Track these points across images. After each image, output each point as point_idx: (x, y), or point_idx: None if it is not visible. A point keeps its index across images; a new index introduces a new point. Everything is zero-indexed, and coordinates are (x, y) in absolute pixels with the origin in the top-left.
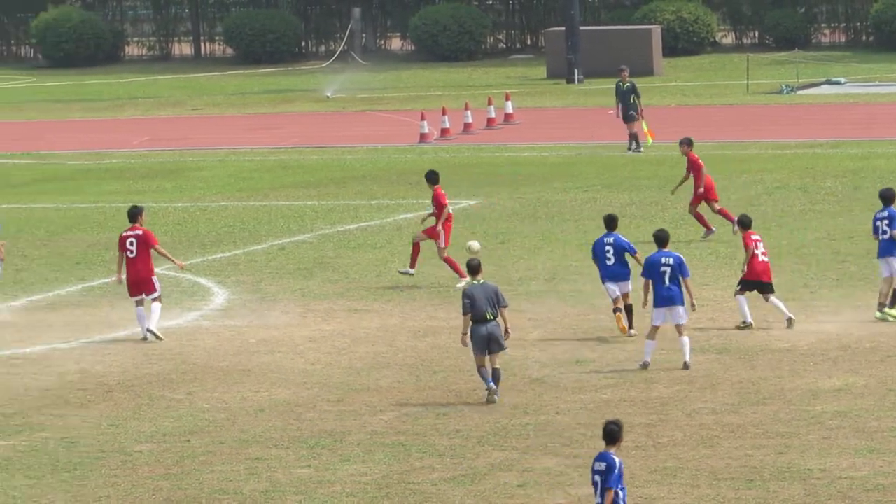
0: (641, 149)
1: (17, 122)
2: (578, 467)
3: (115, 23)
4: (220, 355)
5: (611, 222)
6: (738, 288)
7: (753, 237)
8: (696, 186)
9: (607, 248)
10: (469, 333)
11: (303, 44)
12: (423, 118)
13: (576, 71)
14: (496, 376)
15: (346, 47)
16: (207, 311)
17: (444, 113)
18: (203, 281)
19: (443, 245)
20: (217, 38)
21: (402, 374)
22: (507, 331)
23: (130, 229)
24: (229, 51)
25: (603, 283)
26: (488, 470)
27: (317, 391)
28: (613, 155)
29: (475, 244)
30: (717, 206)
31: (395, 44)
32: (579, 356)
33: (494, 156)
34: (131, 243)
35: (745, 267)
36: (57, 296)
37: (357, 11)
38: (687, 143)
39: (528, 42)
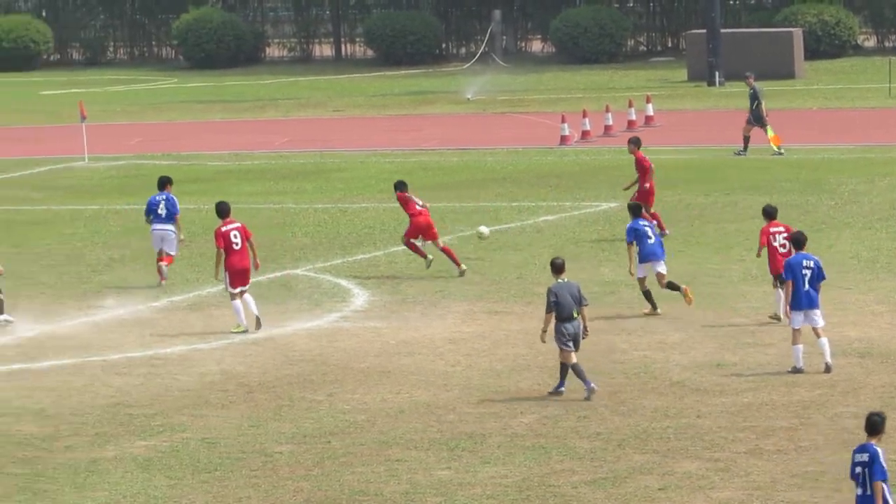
0: (745, 153)
1: (159, 123)
2: (720, 471)
3: (256, 24)
4: (361, 357)
5: (636, 209)
6: (776, 283)
7: (772, 230)
8: (641, 185)
9: (646, 227)
10: (555, 332)
11: (443, 45)
12: (563, 120)
13: (716, 73)
14: (578, 371)
15: (486, 49)
16: (348, 312)
17: (584, 115)
18: (343, 282)
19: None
20: (358, 39)
21: (543, 377)
22: (585, 329)
23: (228, 223)
24: (370, 52)
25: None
26: (629, 473)
27: (457, 393)
28: (754, 158)
29: (485, 229)
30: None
31: (536, 46)
32: (720, 359)
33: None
34: (235, 236)
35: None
36: (198, 296)
37: (498, 13)
38: (634, 143)
39: (669, 44)
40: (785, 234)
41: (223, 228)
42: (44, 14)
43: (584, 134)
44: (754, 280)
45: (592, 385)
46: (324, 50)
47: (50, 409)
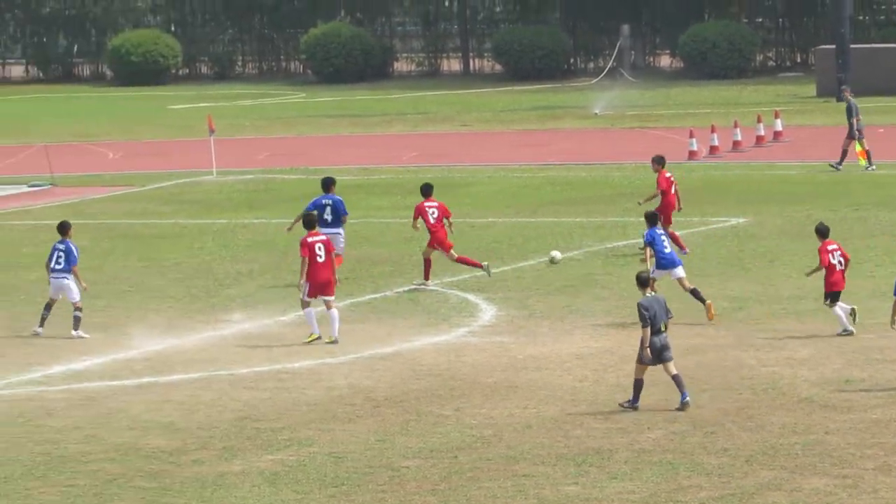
0: (840, 167)
1: (287, 138)
2: (848, 487)
3: (384, 38)
4: (488, 371)
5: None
6: (826, 302)
7: (829, 247)
8: (663, 200)
9: (663, 237)
10: (640, 346)
11: (571, 60)
12: (691, 135)
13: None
14: (679, 382)
15: (614, 64)
16: (475, 327)
17: (712, 130)
18: (471, 297)
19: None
20: (486, 54)
21: (670, 392)
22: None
23: (313, 235)
24: (497, 67)
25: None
26: (757, 489)
27: (584, 408)
28: (883, 173)
29: (557, 254)
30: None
31: (664, 61)
32: (848, 375)
33: (763, 174)
34: (319, 248)
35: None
36: (324, 312)
37: (626, 28)
38: (658, 163)
39: (798, 60)
40: (840, 252)
41: (309, 240)
42: (173, 29)
43: (713, 149)
44: (883, 296)
45: (637, 404)
46: (452, 64)
47: (178, 423)
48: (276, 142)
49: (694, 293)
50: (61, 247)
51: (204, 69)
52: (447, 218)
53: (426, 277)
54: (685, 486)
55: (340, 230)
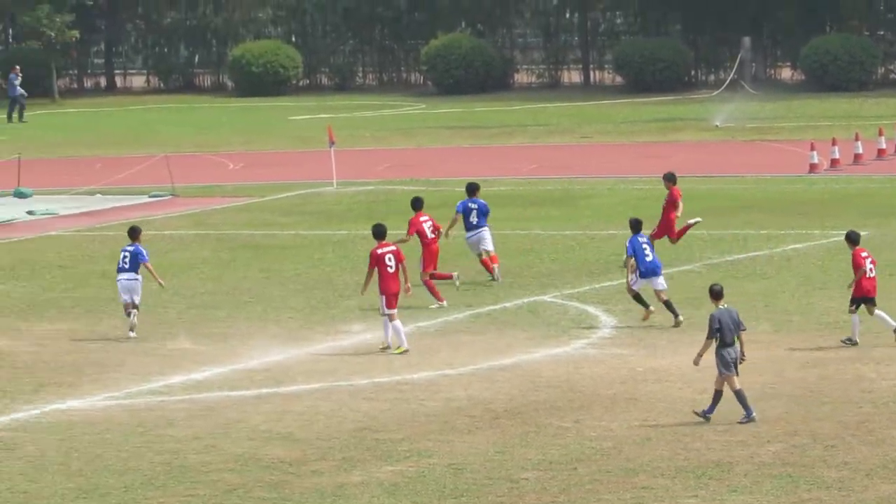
0: None
1: (407, 149)
2: None
3: (505, 50)
4: (607, 383)
5: (637, 225)
6: (851, 307)
7: (863, 254)
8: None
9: (644, 245)
10: (717, 358)
11: (692, 72)
12: (812, 148)
13: None
14: (742, 398)
15: (735, 76)
16: (595, 339)
17: (833, 143)
18: (590, 309)
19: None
20: (606, 66)
21: (790, 405)
22: (742, 354)
23: (383, 245)
24: (618, 79)
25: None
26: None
27: (704, 420)
28: None
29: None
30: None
31: (785, 73)
32: None
33: (884, 187)
34: (389, 259)
35: (853, 284)
36: (445, 322)
37: (747, 40)
38: (670, 180)
39: None
40: (871, 259)
41: (378, 251)
42: (294, 40)
43: (834, 162)
44: None
45: (753, 414)
46: (572, 76)
47: (298, 434)
48: (396, 153)
49: (667, 305)
50: (129, 249)
51: (324, 80)
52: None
53: (439, 298)
54: (805, 500)
55: (487, 227)
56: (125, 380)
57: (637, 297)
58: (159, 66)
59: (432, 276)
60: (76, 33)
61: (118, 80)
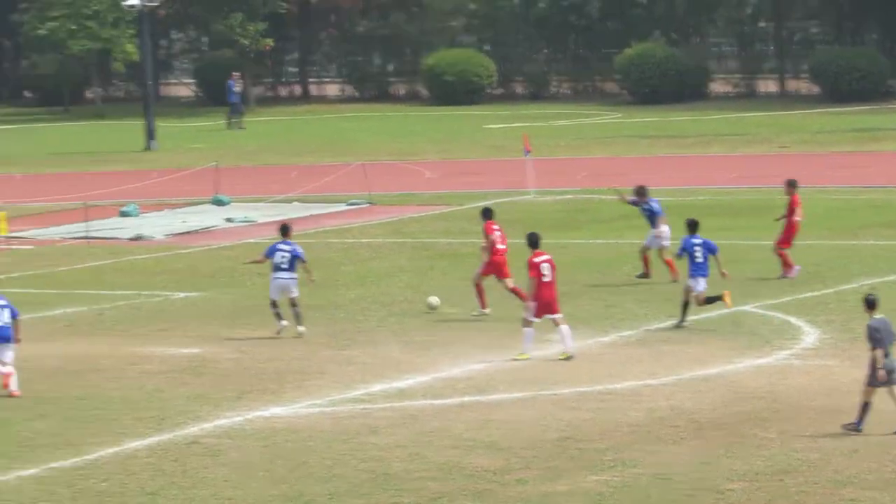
0: None
1: (603, 158)
2: None
3: (700, 59)
4: (811, 394)
5: (693, 226)
6: None
7: None
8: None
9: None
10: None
11: (889, 82)
12: None
13: None
14: (866, 409)
15: None
16: (798, 349)
17: None
18: (793, 320)
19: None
20: (802, 75)
21: None
22: None
23: (539, 254)
24: (814, 88)
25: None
26: None
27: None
28: None
29: (434, 300)
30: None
31: None
32: None
33: None
34: (545, 268)
35: None
36: (646, 332)
37: None
38: (792, 185)
39: None
40: None
41: (535, 259)
42: (487, 48)
43: None
44: None
45: (862, 427)
46: (768, 85)
47: (501, 443)
48: (593, 162)
49: (685, 306)
50: (286, 248)
51: (518, 89)
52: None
53: (483, 305)
54: None
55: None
56: (327, 387)
57: (708, 300)
58: (353, 75)
59: (478, 288)
60: (270, 42)
61: (313, 89)
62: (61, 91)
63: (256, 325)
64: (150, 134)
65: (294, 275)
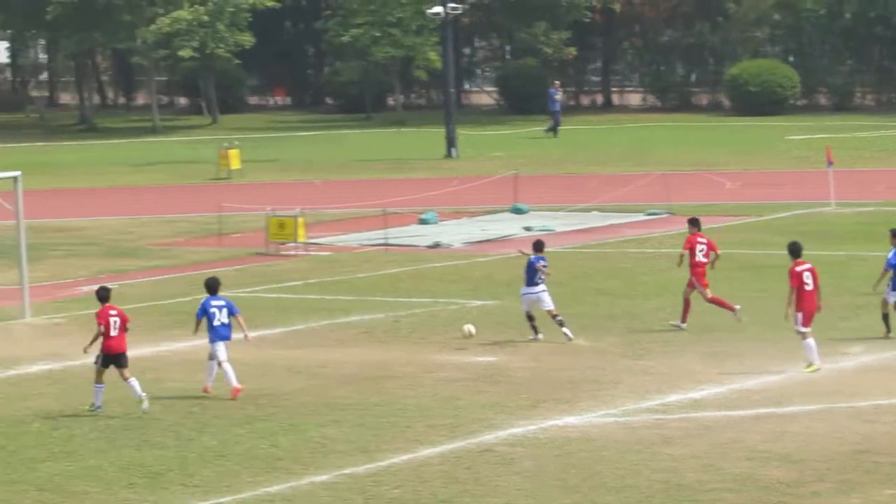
0: None
1: None
2: None
3: None
4: None
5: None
6: None
7: None
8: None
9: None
10: None
11: None
12: None
13: None
14: None
15: None
16: None
17: None
18: None
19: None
20: None
21: None
22: None
23: (800, 264)
24: None
25: None
26: None
27: None
28: None
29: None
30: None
31: None
32: None
33: None
34: (807, 277)
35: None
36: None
37: None
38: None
39: None
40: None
41: (797, 269)
42: (791, 59)
43: None
44: None
45: None
46: None
47: (795, 455)
48: (894, 174)
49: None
50: (544, 263)
51: (822, 100)
52: (714, 252)
53: (683, 320)
54: None
55: None
56: (622, 397)
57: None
58: (655, 85)
59: (685, 302)
60: (573, 51)
61: (615, 98)
62: (363, 98)
63: (551, 334)
64: (451, 141)
65: (545, 287)
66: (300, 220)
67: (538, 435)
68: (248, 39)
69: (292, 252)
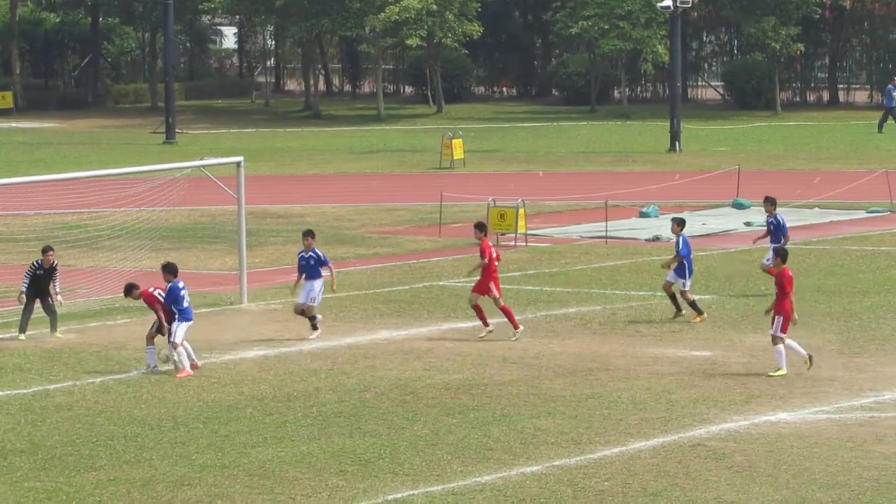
0: None
1: None
2: None
3: None
4: None
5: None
6: None
7: None
8: None
9: None
10: None
11: None
12: None
13: None
14: None
15: None
16: None
17: None
18: None
19: (496, 295)
20: None
21: None
22: None
23: None
24: None
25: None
26: None
27: None
28: None
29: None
30: None
31: None
32: None
33: None
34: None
35: None
36: None
37: None
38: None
39: None
40: None
41: (789, 273)
42: None
43: None
44: None
45: None
46: None
47: None
48: None
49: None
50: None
51: None
52: None
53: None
54: None
55: None
56: (836, 394)
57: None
58: (883, 83)
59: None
60: (801, 46)
61: (841, 95)
62: (589, 90)
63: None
64: (675, 135)
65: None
66: (521, 210)
67: (750, 430)
68: (476, 29)
69: (512, 243)
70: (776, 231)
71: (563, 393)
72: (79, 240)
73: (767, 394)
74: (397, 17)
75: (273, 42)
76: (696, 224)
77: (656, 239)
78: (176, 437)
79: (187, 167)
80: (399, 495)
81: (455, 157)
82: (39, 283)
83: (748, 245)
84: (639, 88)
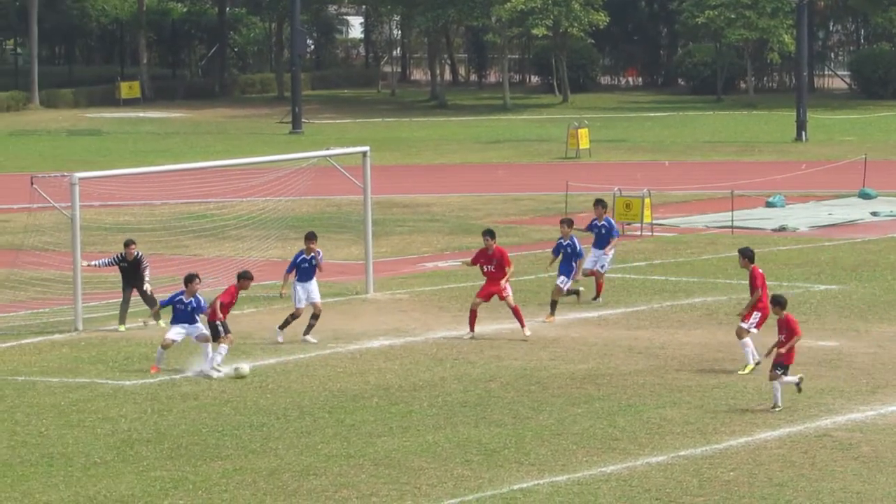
0: None
1: None
2: None
3: None
4: None
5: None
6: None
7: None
8: None
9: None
10: None
11: None
12: None
13: None
14: None
15: None
16: None
17: None
18: None
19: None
20: None
21: None
22: None
23: None
24: None
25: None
26: None
27: None
28: None
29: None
30: None
31: None
32: None
33: None
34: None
35: None
36: None
37: None
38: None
39: None
40: None
41: (759, 271)
42: None
43: None
44: None
45: None
46: None
47: None
48: None
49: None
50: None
51: None
52: None
53: None
54: None
55: None
56: None
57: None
58: None
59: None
60: None
61: None
62: (715, 80)
63: (895, 320)
64: (801, 125)
65: None
66: (647, 200)
67: (877, 421)
68: (602, 19)
69: (637, 233)
70: None
71: (688, 383)
72: (205, 229)
73: (894, 384)
74: (523, 7)
75: (399, 32)
76: (823, 214)
77: (782, 229)
78: (301, 426)
79: (314, 157)
80: (524, 485)
81: (581, 147)
82: (127, 276)
83: (875, 235)
84: (765, 78)
